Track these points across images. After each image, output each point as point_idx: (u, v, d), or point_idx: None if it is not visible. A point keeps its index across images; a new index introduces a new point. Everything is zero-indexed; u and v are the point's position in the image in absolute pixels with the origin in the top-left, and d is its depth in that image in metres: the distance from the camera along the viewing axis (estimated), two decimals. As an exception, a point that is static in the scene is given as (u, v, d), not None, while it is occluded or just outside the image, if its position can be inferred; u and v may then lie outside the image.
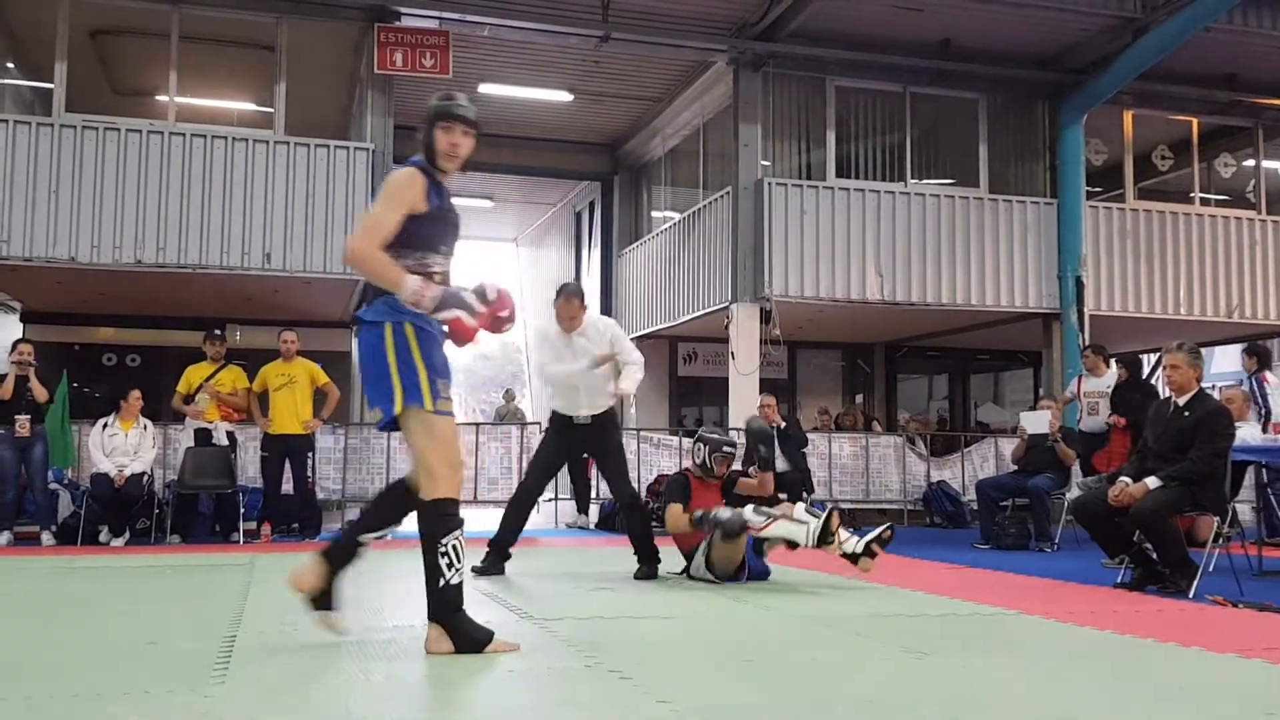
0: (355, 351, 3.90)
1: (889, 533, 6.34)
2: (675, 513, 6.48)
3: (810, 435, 12.32)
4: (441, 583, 3.80)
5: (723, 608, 5.43)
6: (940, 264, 13.46)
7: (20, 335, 14.41)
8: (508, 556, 6.86)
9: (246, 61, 12.97)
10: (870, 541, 6.17)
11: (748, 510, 6.22)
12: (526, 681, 3.55)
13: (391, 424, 3.87)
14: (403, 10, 12.03)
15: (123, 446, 9.68)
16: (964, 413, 18.62)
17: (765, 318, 12.88)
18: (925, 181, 13.99)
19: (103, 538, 9.51)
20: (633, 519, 6.91)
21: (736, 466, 7.00)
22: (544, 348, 7.33)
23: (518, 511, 7.00)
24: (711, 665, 3.85)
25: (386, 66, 12.02)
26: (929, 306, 13.50)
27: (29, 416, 9.36)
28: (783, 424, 11.32)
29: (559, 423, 7.04)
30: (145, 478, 9.67)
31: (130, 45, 13.08)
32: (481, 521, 12.11)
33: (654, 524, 11.18)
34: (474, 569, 6.34)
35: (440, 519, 3.80)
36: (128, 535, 9.56)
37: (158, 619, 4.98)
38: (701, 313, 14.13)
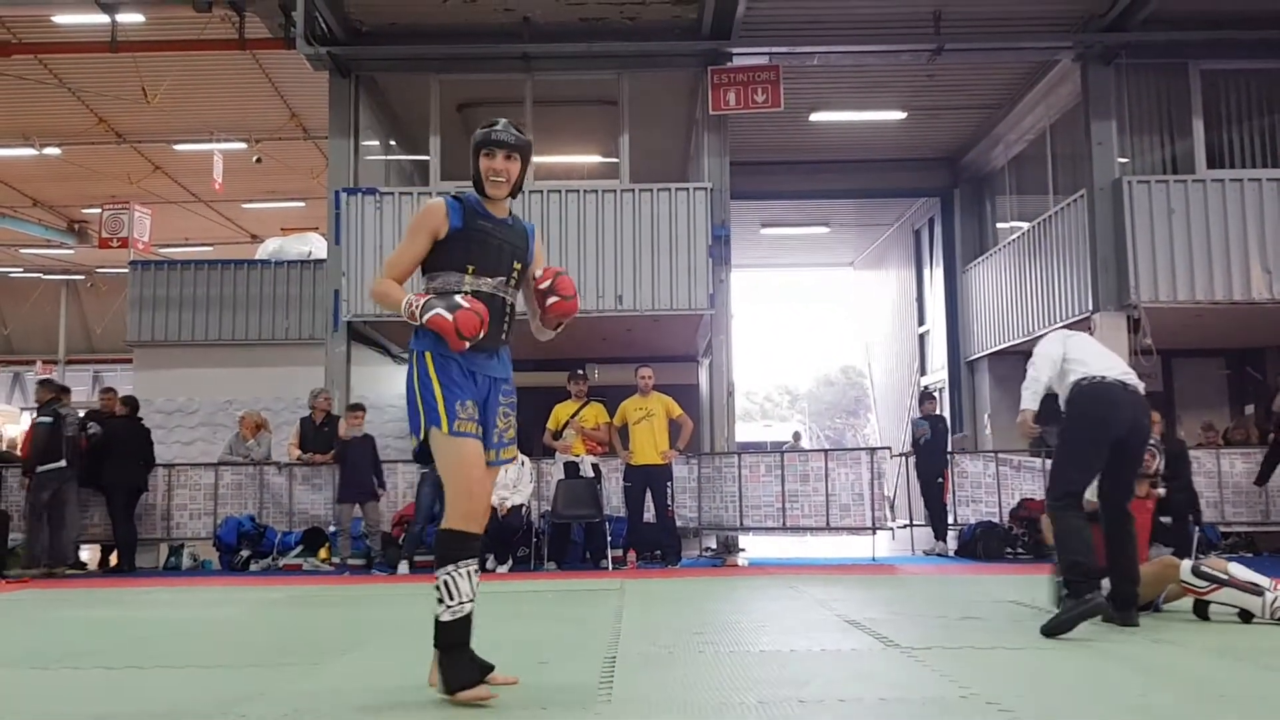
0: None
1: None
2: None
3: (1194, 453, 11.23)
4: (436, 612, 3.71)
5: (1106, 638, 5.06)
6: (1341, 253, 11.92)
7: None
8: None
9: (593, 117, 13.85)
10: None
11: (1185, 567, 5.73)
12: (899, 709, 3.49)
13: (424, 451, 3.83)
14: (734, 51, 12.37)
15: (503, 480, 10.51)
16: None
17: (1133, 326, 11.96)
18: (1315, 163, 12.47)
19: (489, 565, 10.35)
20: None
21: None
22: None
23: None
24: (1100, 701, 3.60)
25: (720, 107, 12.39)
26: (1329, 302, 11.97)
27: None
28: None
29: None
30: (524, 509, 10.45)
31: (491, 114, 14.26)
32: (829, 549, 12.11)
33: (1018, 551, 10.69)
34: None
35: (445, 546, 3.74)
36: (510, 562, 10.36)
37: (545, 640, 5.34)
38: (1060, 324, 13.31)
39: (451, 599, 3.70)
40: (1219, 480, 11.40)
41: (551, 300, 3.93)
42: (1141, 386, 5.59)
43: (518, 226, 4.03)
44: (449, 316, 3.67)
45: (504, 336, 3.91)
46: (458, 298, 3.73)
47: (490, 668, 3.80)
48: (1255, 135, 12.69)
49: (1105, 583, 5.39)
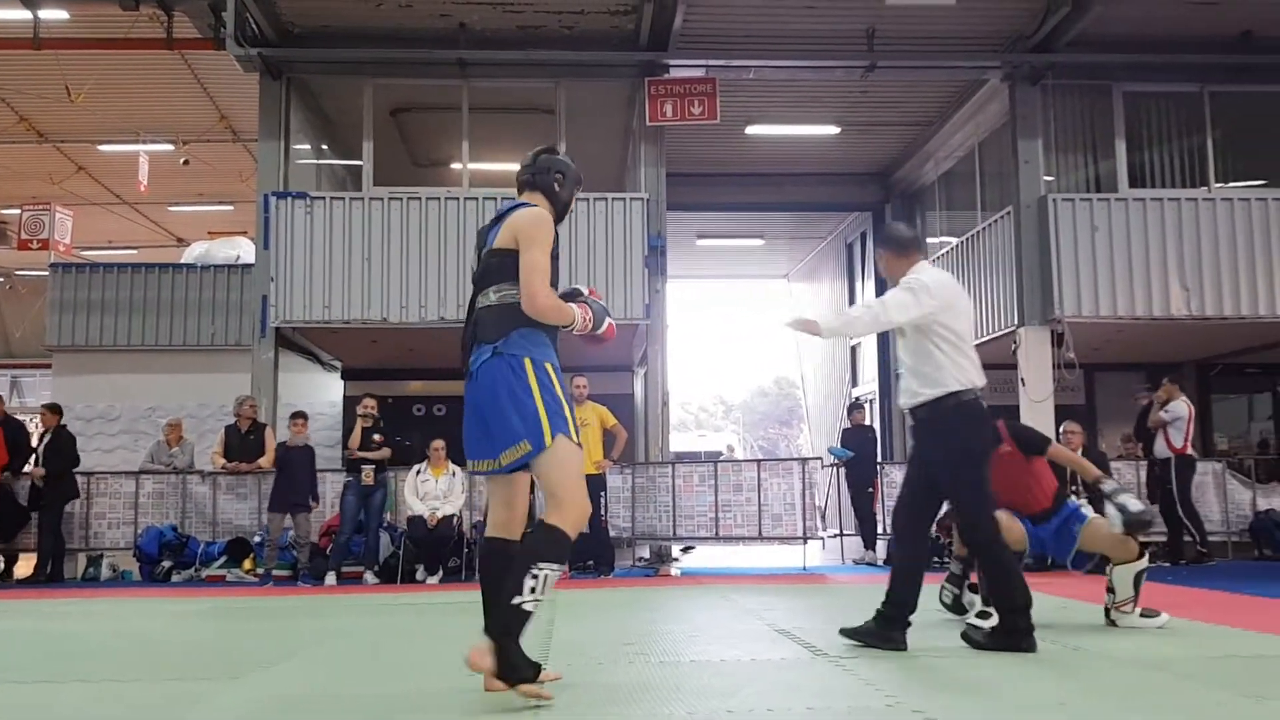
0: (480, 385, 3.82)
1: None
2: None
3: (1115, 464, 11.51)
4: (515, 601, 3.62)
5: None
6: (1255, 272, 12.32)
7: (342, 391, 15.90)
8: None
9: (529, 125, 13.78)
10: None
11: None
12: (825, 718, 3.51)
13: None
14: (671, 62, 12.43)
15: (434, 491, 10.43)
16: (1293, 434, 16.82)
17: (1057, 340, 12.22)
18: (1231, 185, 12.88)
19: (419, 576, 10.24)
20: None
21: None
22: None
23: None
24: (1022, 709, 3.67)
25: (657, 118, 12.44)
26: (1243, 320, 12.36)
27: (374, 466, 10.27)
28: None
29: None
30: (455, 520, 10.36)
31: (426, 120, 14.24)
32: (761, 558, 12.18)
33: (944, 559, 10.84)
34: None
35: (551, 544, 3.72)
36: (441, 573, 10.26)
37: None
38: (985, 339, 13.55)
39: (539, 594, 3.65)
40: (1138, 492, 11.66)
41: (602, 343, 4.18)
42: None
43: None
44: (611, 322, 4.02)
45: None
46: (603, 306, 4.05)
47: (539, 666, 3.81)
48: (1175, 156, 13.06)
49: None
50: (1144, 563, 5.78)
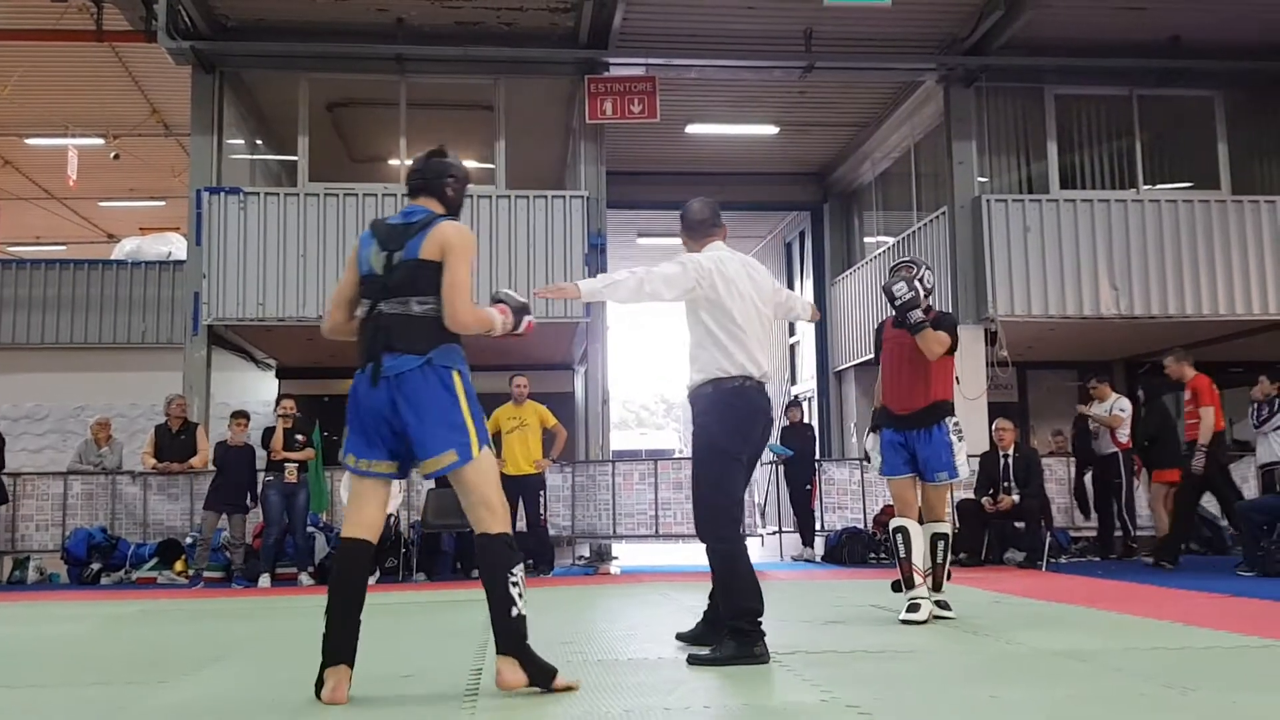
0: (401, 393, 3.85)
1: None
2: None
3: (1045, 460, 11.73)
4: (514, 613, 3.80)
5: (964, 642, 5.24)
6: (1182, 273, 12.64)
7: (277, 390, 15.66)
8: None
9: (469, 122, 13.72)
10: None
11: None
12: (761, 715, 3.53)
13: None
14: (611, 61, 12.41)
15: (371, 490, 10.29)
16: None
17: (990, 339, 12.43)
18: (1159, 187, 13.20)
19: (356, 576, 10.11)
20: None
21: None
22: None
23: None
24: (954, 701, 3.72)
25: (597, 116, 12.42)
26: (1171, 319, 12.67)
27: (297, 465, 10.13)
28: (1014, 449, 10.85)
29: None
30: (392, 519, 10.25)
31: (363, 115, 14.07)
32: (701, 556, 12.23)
33: (880, 556, 10.97)
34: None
35: (508, 551, 3.89)
36: (378, 573, 10.14)
37: (411, 653, 5.25)
38: (922, 337, 13.75)
39: (522, 597, 3.85)
40: (1069, 486, 11.90)
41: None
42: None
43: None
44: (530, 320, 4.20)
45: None
46: (519, 300, 4.20)
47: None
48: (1105, 158, 13.34)
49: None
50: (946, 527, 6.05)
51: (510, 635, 3.81)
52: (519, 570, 3.87)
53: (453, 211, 4.14)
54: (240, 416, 10.60)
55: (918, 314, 5.92)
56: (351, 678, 3.76)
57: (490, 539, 3.87)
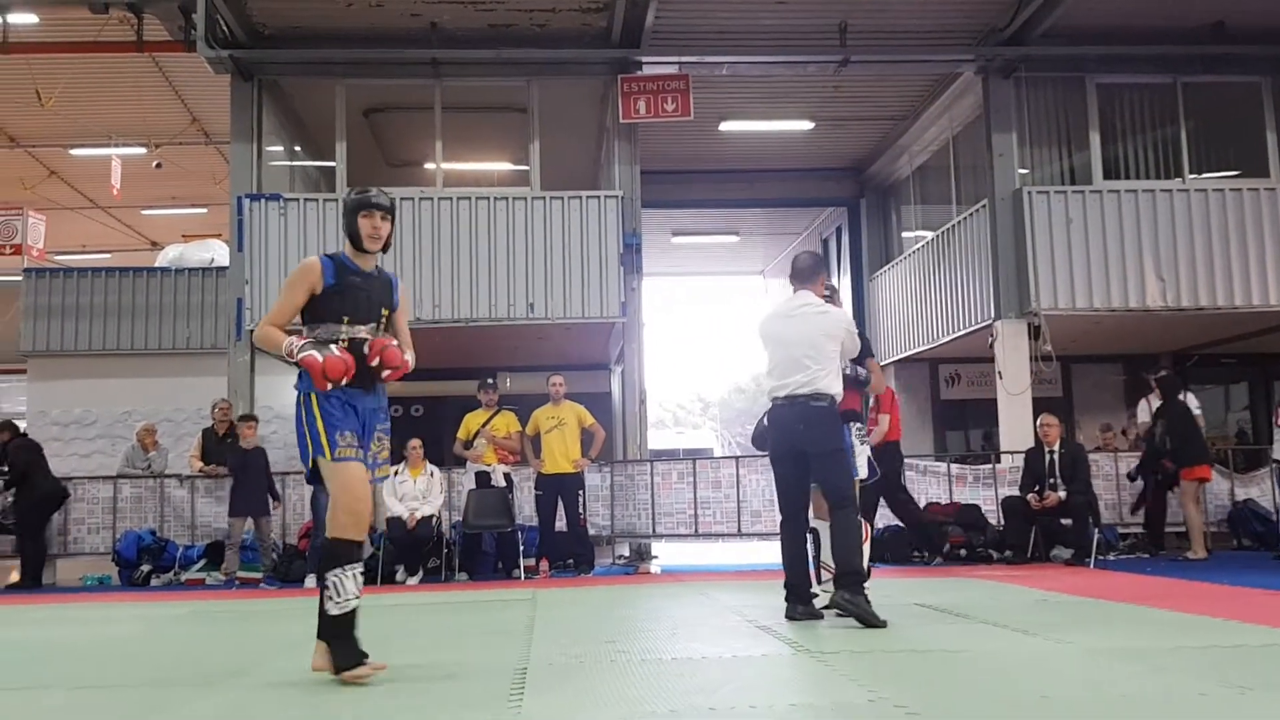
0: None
1: None
2: None
3: (1092, 456, 11.56)
4: (326, 608, 4.27)
5: (1012, 641, 5.16)
6: (1230, 263, 12.42)
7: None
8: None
9: (503, 124, 13.74)
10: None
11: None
12: (808, 715, 3.50)
13: (316, 475, 4.48)
14: (644, 60, 12.39)
15: (413, 492, 10.37)
16: (1269, 424, 16.94)
17: (1034, 333, 12.28)
18: (1205, 176, 12.97)
19: (399, 577, 10.19)
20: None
21: None
22: None
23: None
24: (1003, 701, 3.66)
25: (631, 115, 12.40)
26: (1219, 310, 12.46)
27: None
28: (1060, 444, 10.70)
29: None
30: (434, 520, 10.31)
31: (398, 120, 14.15)
32: (743, 555, 12.17)
33: (925, 554, 10.86)
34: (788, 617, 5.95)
35: (327, 556, 4.33)
36: (421, 574, 10.21)
37: (455, 653, 5.25)
38: (962, 332, 13.63)
39: (339, 596, 4.27)
40: (1116, 483, 11.73)
41: (385, 373, 4.50)
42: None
43: (383, 278, 4.68)
44: (319, 359, 4.26)
45: (377, 375, 4.47)
46: (332, 346, 4.35)
47: (366, 655, 4.30)
48: (1149, 148, 13.13)
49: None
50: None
51: (321, 625, 4.29)
52: (343, 571, 4.26)
53: (352, 239, 4.60)
54: (249, 420, 10.73)
55: None
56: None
57: (325, 541, 4.41)
